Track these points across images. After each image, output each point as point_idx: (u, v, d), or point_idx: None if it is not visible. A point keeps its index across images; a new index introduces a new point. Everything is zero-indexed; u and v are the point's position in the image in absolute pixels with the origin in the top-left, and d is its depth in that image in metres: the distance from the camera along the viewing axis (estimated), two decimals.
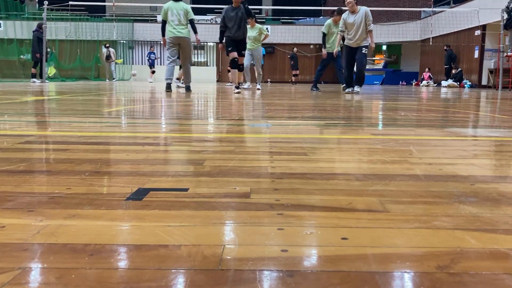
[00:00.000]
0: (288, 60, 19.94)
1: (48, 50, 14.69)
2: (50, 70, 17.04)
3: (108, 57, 19.74)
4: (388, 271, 0.66)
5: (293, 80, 19.14)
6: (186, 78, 8.18)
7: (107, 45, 20.00)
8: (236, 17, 7.50)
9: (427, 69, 19.78)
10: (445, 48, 17.87)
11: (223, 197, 1.05)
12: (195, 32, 7.77)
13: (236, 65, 7.80)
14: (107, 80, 19.48)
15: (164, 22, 7.82)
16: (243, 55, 8.24)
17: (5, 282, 0.61)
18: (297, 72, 19.17)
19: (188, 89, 8.07)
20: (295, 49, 19.38)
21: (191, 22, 7.80)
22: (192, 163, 1.45)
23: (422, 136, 2.25)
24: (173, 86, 9.41)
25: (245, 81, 10.86)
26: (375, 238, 0.79)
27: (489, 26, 16.11)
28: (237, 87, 7.68)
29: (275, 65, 23.82)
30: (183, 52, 8.05)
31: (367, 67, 26.53)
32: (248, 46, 9.11)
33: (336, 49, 9.02)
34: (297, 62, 19.09)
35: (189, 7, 7.87)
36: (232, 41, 7.62)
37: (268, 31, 12.28)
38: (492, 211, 0.96)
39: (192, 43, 8.16)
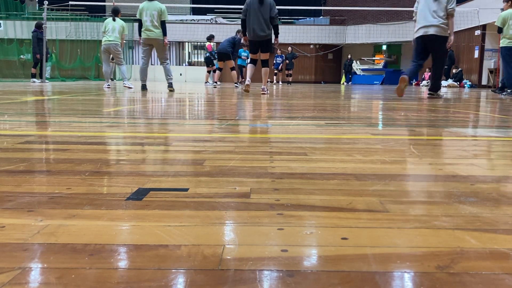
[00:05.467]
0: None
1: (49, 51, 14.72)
2: (52, 69, 17.19)
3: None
4: (388, 271, 0.66)
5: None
6: (167, 76, 8.29)
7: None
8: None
9: (427, 69, 19.77)
10: None
11: (223, 197, 1.05)
12: (165, 34, 7.97)
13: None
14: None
15: (140, 22, 7.97)
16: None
17: (5, 282, 0.61)
18: (290, 72, 19.21)
19: (170, 86, 8.21)
20: (289, 49, 19.39)
21: (162, 24, 7.95)
22: (192, 163, 1.45)
23: (422, 136, 2.25)
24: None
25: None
26: (375, 238, 0.79)
27: (489, 26, 16.11)
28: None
29: None
30: (157, 52, 8.19)
31: (366, 67, 26.43)
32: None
33: None
34: (291, 61, 19.13)
35: (163, 6, 7.96)
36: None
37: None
38: (492, 211, 0.96)
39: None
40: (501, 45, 8.00)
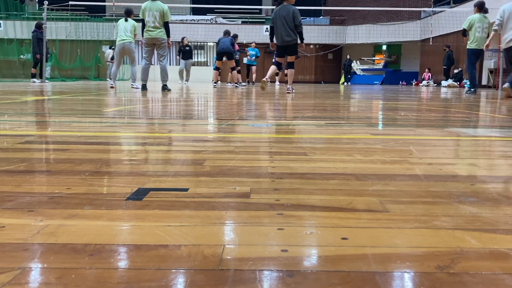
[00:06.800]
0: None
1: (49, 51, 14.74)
2: (52, 69, 17.24)
3: (113, 57, 19.81)
4: (388, 271, 0.66)
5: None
6: (163, 77, 8.33)
7: (113, 46, 20.06)
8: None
9: (427, 70, 19.79)
10: (444, 48, 17.89)
11: (223, 197, 1.05)
12: (168, 35, 8.07)
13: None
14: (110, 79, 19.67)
15: (143, 22, 8.05)
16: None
17: (5, 282, 0.61)
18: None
19: (164, 88, 8.23)
20: None
21: (166, 25, 8.03)
22: (192, 163, 1.45)
23: (422, 136, 2.25)
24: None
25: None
26: (375, 238, 0.79)
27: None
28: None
29: None
30: (158, 52, 8.24)
31: (366, 67, 26.40)
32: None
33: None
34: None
35: (166, 7, 8.02)
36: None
37: (268, 31, 12.92)
38: (492, 211, 0.96)
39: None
40: (468, 47, 8.56)
